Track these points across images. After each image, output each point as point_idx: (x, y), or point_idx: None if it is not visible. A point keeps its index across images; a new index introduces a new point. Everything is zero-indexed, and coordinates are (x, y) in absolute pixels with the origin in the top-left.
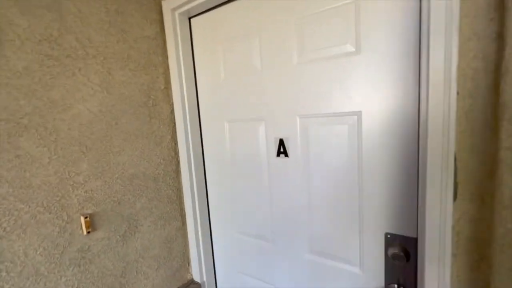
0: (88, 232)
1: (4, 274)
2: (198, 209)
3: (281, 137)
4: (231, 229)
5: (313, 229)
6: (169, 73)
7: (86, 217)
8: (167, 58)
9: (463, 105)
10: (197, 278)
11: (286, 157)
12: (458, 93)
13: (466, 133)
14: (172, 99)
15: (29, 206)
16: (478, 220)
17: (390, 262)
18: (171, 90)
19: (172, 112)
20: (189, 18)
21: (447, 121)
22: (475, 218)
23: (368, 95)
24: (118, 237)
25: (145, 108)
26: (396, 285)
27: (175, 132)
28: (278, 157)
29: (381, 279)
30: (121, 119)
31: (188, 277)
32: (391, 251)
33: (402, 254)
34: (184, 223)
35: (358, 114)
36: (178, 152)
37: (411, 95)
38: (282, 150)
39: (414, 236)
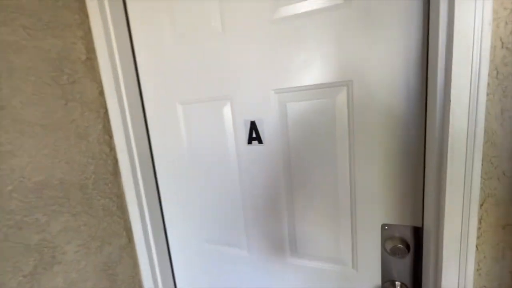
0: None
1: None
2: (148, 218)
3: (252, 119)
4: (195, 238)
5: (295, 228)
6: (92, 38)
7: None
8: (87, 16)
9: (493, 59)
10: None
11: (260, 144)
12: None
13: (496, 95)
14: (100, 75)
15: None
16: (508, 202)
17: (387, 257)
18: (98, 62)
19: (102, 93)
20: None
21: (476, 80)
22: (504, 200)
23: (361, 60)
24: (21, 278)
25: (55, 87)
26: (392, 282)
27: (108, 120)
28: (249, 144)
29: (377, 277)
30: (12, 102)
31: None
32: (390, 244)
33: (402, 246)
34: (130, 238)
35: (349, 84)
36: (114, 147)
37: (418, 54)
38: (254, 135)
39: (418, 225)
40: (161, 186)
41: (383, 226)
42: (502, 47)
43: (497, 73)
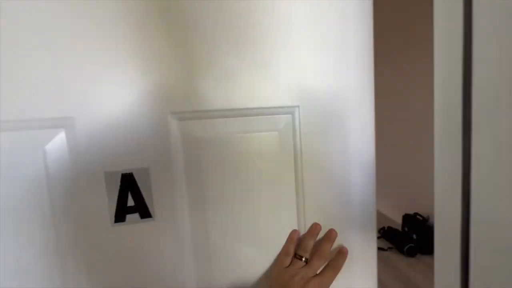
0: None
1: None
2: None
3: (126, 170)
4: None
5: None
6: None
7: None
8: None
9: None
10: None
11: (147, 219)
12: None
13: None
14: None
15: None
16: None
17: None
18: None
19: None
20: None
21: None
22: None
23: (313, 74)
24: None
25: None
26: None
27: None
28: (120, 223)
29: None
30: None
31: None
32: None
33: None
34: None
35: (293, 111)
36: None
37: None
38: (132, 203)
39: None
40: None
41: None
42: None
43: None
